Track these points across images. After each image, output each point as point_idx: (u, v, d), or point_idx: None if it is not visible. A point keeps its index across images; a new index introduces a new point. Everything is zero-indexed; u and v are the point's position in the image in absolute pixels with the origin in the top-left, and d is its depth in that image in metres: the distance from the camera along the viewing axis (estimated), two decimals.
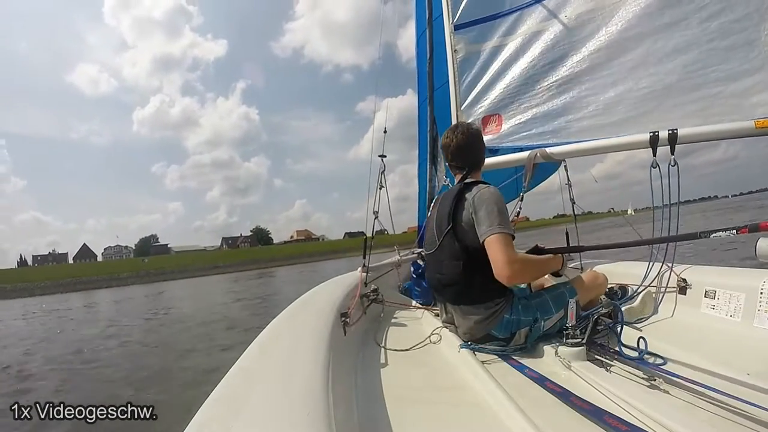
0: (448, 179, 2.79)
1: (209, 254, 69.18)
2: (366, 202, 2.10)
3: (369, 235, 1.93)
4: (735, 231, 1.10)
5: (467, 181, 1.46)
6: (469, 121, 2.48)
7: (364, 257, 1.80)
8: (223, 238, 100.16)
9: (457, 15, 2.48)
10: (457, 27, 2.49)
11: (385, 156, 2.17)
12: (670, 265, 1.66)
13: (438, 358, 1.27)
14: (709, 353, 1.16)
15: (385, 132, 2.33)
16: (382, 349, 1.32)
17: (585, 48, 2.09)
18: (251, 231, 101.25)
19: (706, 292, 1.49)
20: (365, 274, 1.75)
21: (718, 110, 1.71)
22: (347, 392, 0.94)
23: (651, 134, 1.71)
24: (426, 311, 1.76)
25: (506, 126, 2.36)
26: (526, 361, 1.20)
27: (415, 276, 2.21)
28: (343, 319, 1.20)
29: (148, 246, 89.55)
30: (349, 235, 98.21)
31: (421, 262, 2.32)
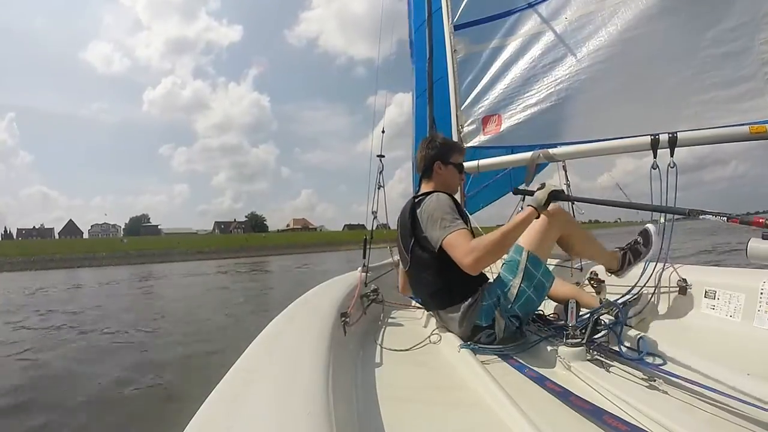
0: None
1: (197, 238, 67.18)
2: (366, 199, 2.11)
3: (369, 235, 1.93)
4: (726, 218, 1.11)
5: (421, 193, 1.55)
6: (470, 121, 2.48)
7: (364, 257, 1.80)
8: (215, 222, 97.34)
9: (457, 15, 2.48)
10: (457, 27, 2.49)
11: (383, 156, 2.17)
12: (670, 265, 1.66)
13: (438, 358, 1.27)
14: (709, 353, 1.16)
15: (383, 132, 2.33)
16: (382, 349, 1.31)
17: (585, 49, 2.10)
18: (246, 217, 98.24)
19: (706, 292, 1.49)
20: (365, 274, 1.75)
21: (713, 114, 1.78)
22: (347, 392, 0.93)
23: (652, 137, 1.75)
24: (426, 311, 1.76)
25: (506, 126, 2.36)
26: (526, 361, 1.20)
27: None
28: (343, 319, 1.20)
29: (138, 226, 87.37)
30: (348, 227, 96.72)
31: None
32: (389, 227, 2.07)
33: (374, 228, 2.02)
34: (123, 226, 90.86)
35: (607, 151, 2.01)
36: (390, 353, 1.29)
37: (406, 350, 1.31)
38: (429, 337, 1.40)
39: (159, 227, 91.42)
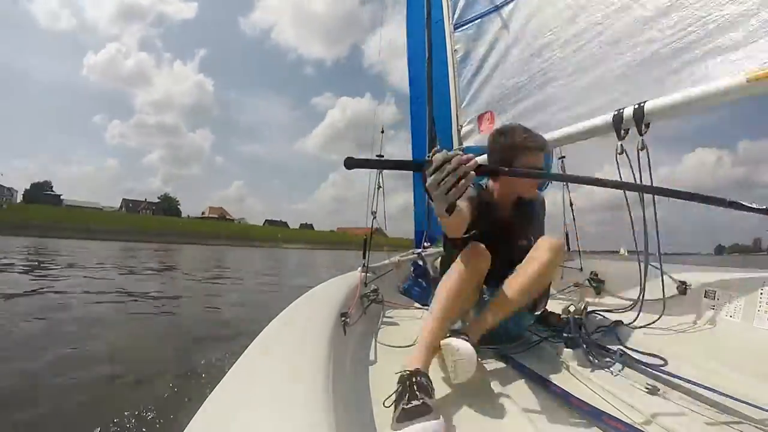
0: None
1: (100, 215, 61.18)
2: (361, 201, 2.09)
3: (369, 235, 1.92)
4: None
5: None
6: (468, 120, 2.48)
7: (364, 257, 1.80)
8: (123, 199, 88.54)
9: (456, 14, 2.47)
10: (457, 26, 2.49)
11: (382, 156, 2.17)
12: (670, 266, 1.66)
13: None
14: (708, 354, 1.17)
15: (382, 132, 2.32)
16: (382, 349, 1.31)
17: (569, 31, 1.93)
18: (158, 198, 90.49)
19: (706, 292, 1.49)
20: (365, 274, 1.75)
21: (699, 75, 1.41)
22: (347, 392, 0.93)
23: (615, 113, 1.46)
24: (425, 311, 1.76)
25: (498, 123, 2.28)
26: (526, 361, 1.20)
27: (414, 276, 2.21)
28: (343, 319, 1.20)
29: (38, 193, 79.13)
30: (269, 222, 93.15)
31: (420, 263, 2.32)
32: (383, 231, 2.04)
33: (373, 228, 2.02)
34: (17, 191, 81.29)
35: (568, 139, 1.81)
36: (390, 353, 1.29)
37: (406, 348, 1.31)
38: None
39: (61, 197, 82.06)
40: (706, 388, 0.92)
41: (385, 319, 1.68)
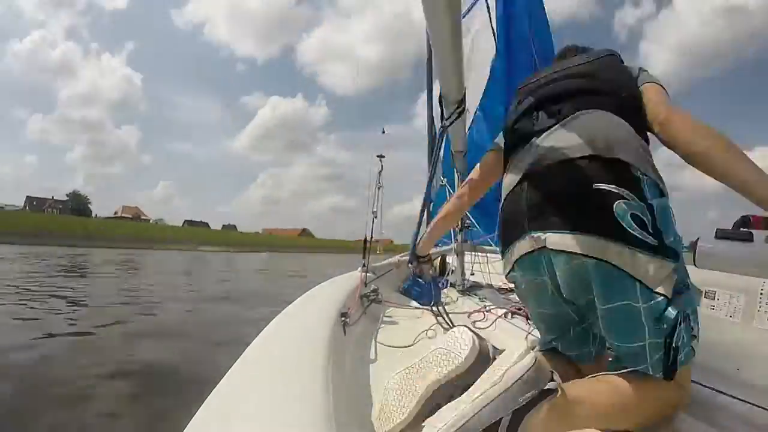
0: (445, 179, 2.79)
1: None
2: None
3: (368, 236, 1.92)
4: None
5: None
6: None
7: (364, 257, 1.80)
8: (27, 197, 79.70)
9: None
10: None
11: (383, 156, 2.16)
12: None
13: None
14: (708, 354, 1.16)
15: (383, 132, 2.31)
16: (382, 349, 1.31)
17: None
18: (67, 195, 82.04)
19: (705, 292, 1.49)
20: (365, 274, 1.75)
21: None
22: (347, 392, 0.93)
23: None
24: (425, 311, 1.76)
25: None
26: None
27: (414, 276, 2.21)
28: (342, 319, 1.20)
29: None
30: (189, 223, 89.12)
31: None
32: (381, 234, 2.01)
33: (373, 229, 2.01)
34: None
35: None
36: (389, 353, 1.29)
37: (406, 347, 1.31)
38: (426, 332, 1.40)
39: None
40: (705, 387, 0.92)
41: (385, 319, 1.68)
